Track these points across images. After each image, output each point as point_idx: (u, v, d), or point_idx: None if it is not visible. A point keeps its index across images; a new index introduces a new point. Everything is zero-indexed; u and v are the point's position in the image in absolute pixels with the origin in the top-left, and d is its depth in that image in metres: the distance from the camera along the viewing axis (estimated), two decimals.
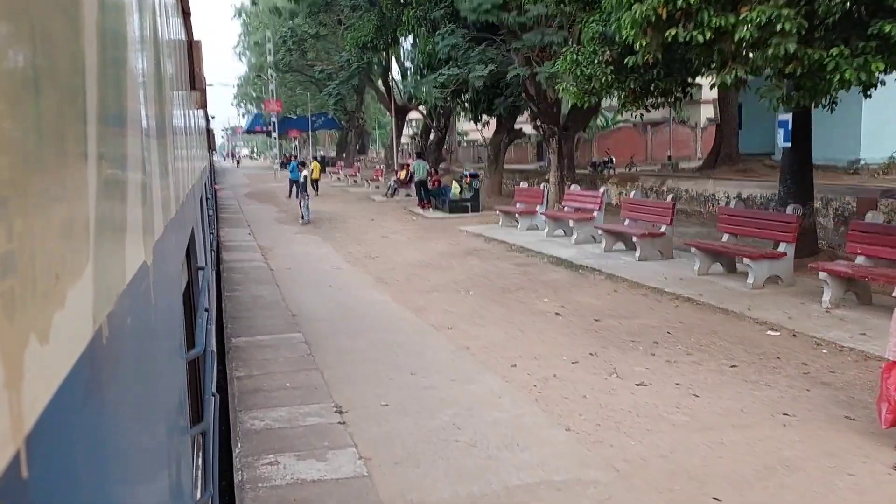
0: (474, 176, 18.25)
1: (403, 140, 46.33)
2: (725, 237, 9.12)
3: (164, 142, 1.89)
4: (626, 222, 11.11)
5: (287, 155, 51.17)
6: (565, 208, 13.04)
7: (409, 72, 35.05)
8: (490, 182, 21.62)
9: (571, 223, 11.86)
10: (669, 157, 30.23)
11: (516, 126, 23.67)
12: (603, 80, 7.89)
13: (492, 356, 6.07)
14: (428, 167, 18.96)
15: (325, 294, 8.94)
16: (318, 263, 11.47)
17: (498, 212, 15.19)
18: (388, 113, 70.28)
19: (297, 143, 57.34)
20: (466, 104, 21.55)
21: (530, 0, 12.29)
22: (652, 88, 7.99)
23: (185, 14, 3.71)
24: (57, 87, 0.62)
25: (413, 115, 43.32)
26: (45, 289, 0.55)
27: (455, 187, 18.72)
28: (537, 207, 14.15)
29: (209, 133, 13.81)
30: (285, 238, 14.78)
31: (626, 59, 6.99)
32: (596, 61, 7.86)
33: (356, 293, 8.98)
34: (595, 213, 11.89)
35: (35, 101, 0.55)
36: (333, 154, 54.79)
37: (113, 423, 0.80)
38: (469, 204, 17.84)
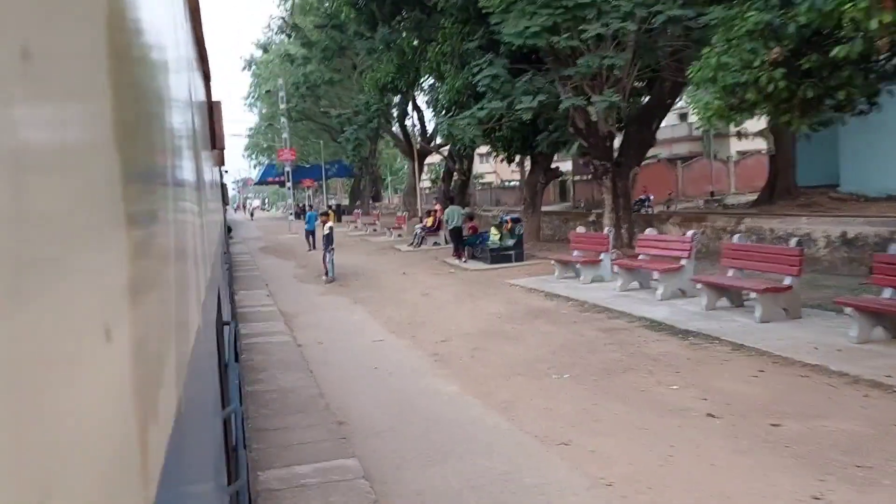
0: (517, 221, 16.34)
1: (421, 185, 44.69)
2: (887, 292, 7.07)
3: (202, 204, 1.96)
4: (731, 273, 9.08)
5: (300, 205, 49.73)
6: (640, 256, 11.04)
7: (426, 114, 33.67)
8: (528, 227, 19.74)
9: (656, 275, 9.84)
10: (712, 193, 28.27)
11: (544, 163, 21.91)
12: (769, 88, 5.91)
13: (657, 502, 3.99)
14: (462, 213, 17.08)
15: (373, 383, 6.92)
16: (354, 334, 9.48)
17: (552, 261, 13.19)
18: (400, 158, 69.26)
19: (310, 192, 56.12)
20: (498, 143, 19.88)
21: (590, 19, 10.58)
22: (841, 97, 5.99)
23: (206, 78, 3.95)
24: (127, 160, 0.68)
25: (429, 159, 41.88)
26: (154, 373, 0.62)
27: (494, 234, 16.80)
28: (601, 255, 12.18)
29: (223, 187, 14.25)
30: (310, 300, 12.83)
31: (836, 51, 4.98)
32: (756, 63, 5.94)
33: (414, 380, 6.96)
34: (684, 262, 9.87)
35: (106, 169, 0.60)
36: (346, 202, 53.39)
37: (190, 490, 0.88)
38: (512, 252, 15.88)
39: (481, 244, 16.84)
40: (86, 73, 0.56)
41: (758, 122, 26.57)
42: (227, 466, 2.19)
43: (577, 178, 39.53)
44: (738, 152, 41.09)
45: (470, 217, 17.36)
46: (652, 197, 27.34)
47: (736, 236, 9.21)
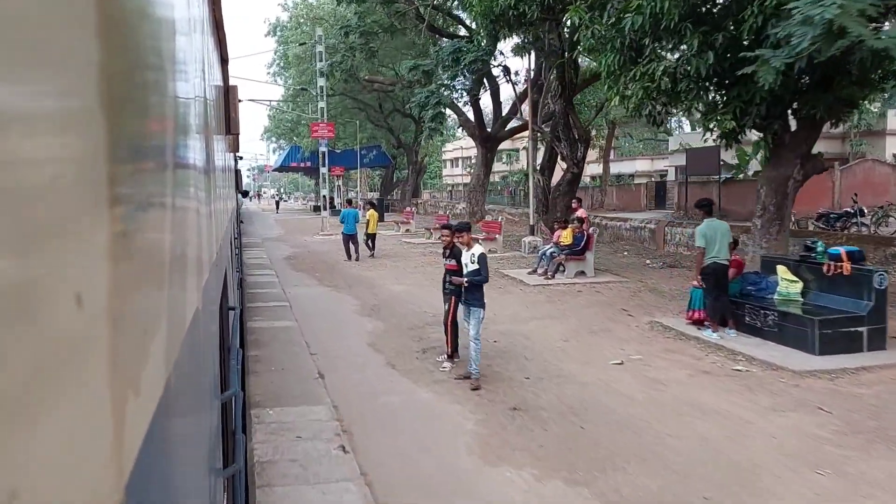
0: (858, 256, 7.58)
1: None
2: None
3: (210, 185, 1.92)
4: None
5: (328, 197, 40.91)
6: None
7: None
8: (768, 252, 10.93)
9: None
10: None
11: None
12: None
13: None
14: (730, 237, 8.23)
15: None
16: None
17: None
18: (439, 148, 60.31)
19: (339, 182, 47.57)
20: (723, 108, 11.06)
21: None
22: None
23: (223, 61, 3.88)
24: (143, 148, 0.70)
25: (460, 149, 32.92)
26: (137, 345, 0.60)
27: (787, 280, 8.08)
28: None
29: (237, 174, 13.09)
30: (467, 488, 4.19)
31: None
32: None
33: None
34: None
35: (131, 156, 0.61)
36: (372, 196, 44.69)
37: (175, 469, 0.84)
38: (864, 330, 7.15)
39: (758, 298, 8.14)
40: (69, 25, 0.50)
41: None
42: (224, 449, 2.23)
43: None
44: (895, 155, 32.08)
45: (734, 243, 8.53)
46: (864, 210, 18.47)
47: None
